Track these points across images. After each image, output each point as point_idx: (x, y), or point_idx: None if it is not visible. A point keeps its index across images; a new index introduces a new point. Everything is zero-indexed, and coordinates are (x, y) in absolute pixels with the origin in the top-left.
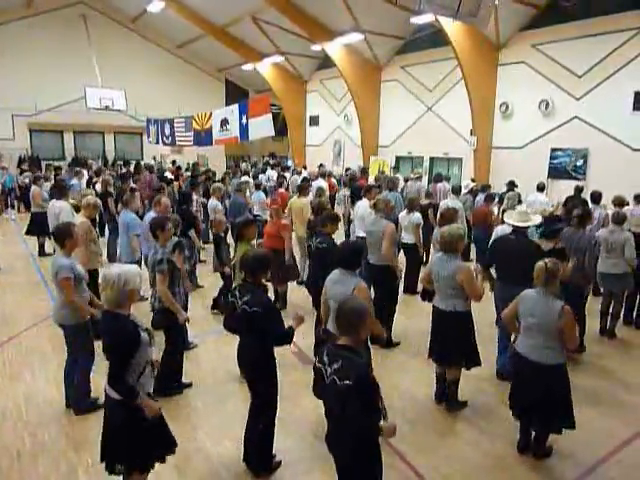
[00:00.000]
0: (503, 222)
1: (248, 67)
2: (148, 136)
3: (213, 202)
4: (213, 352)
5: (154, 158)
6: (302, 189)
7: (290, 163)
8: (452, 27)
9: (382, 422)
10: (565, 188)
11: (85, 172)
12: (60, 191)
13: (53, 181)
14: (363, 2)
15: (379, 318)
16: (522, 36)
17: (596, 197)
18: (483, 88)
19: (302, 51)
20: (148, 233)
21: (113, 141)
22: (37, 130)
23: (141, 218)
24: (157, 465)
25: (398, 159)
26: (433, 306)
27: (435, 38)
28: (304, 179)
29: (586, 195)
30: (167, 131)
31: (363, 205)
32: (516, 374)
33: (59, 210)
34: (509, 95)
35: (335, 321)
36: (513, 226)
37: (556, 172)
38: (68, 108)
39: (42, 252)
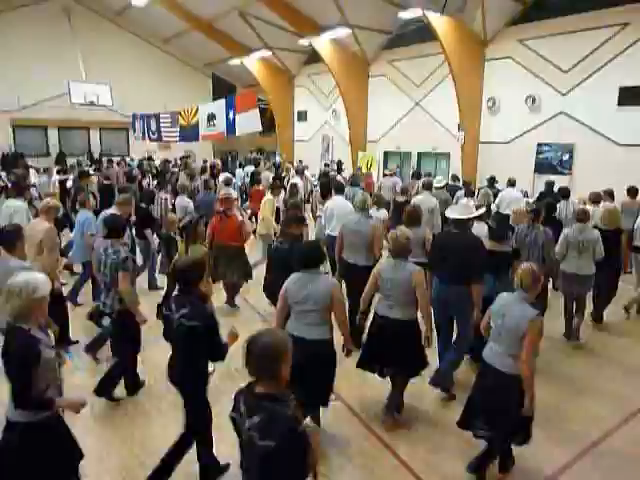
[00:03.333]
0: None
1: (235, 62)
2: (134, 131)
3: (185, 200)
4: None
5: (150, 158)
6: (274, 187)
7: (278, 159)
8: (439, 22)
9: None
10: None
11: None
12: (17, 189)
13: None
14: None
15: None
16: (508, 31)
17: (565, 193)
18: (470, 83)
19: (289, 46)
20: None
21: (98, 137)
22: (20, 126)
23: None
24: None
25: (386, 154)
26: (380, 316)
27: (422, 33)
28: (278, 176)
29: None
30: (153, 127)
31: (338, 203)
32: (478, 383)
33: (14, 210)
34: (496, 90)
35: (246, 365)
36: (454, 220)
37: (542, 167)
38: (52, 104)
39: None
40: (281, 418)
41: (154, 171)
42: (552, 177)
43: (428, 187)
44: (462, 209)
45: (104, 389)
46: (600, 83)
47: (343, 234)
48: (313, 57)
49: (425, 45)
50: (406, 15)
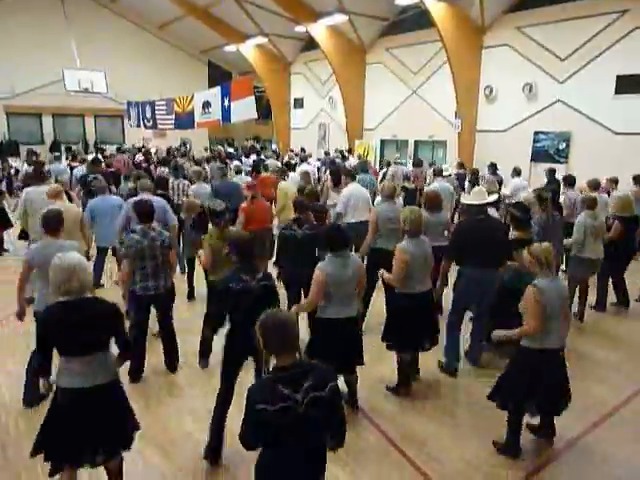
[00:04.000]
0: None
1: (231, 49)
2: (129, 119)
3: (204, 186)
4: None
5: (144, 147)
6: (284, 173)
7: (275, 146)
8: (437, 8)
9: None
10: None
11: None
12: (40, 177)
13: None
14: None
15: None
16: (506, 19)
17: (570, 181)
18: (467, 71)
19: (286, 32)
20: None
21: (93, 124)
22: (14, 114)
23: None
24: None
25: (383, 142)
26: (410, 294)
27: (420, 20)
28: (287, 163)
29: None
30: (148, 114)
31: (361, 190)
32: (532, 371)
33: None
34: (493, 78)
35: (268, 344)
36: (476, 205)
37: (539, 155)
38: (46, 91)
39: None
40: (321, 367)
41: (155, 159)
42: (548, 165)
43: (439, 174)
44: (478, 196)
45: (171, 364)
46: (597, 71)
47: (379, 221)
48: (310, 44)
49: (422, 32)
50: (403, 1)
